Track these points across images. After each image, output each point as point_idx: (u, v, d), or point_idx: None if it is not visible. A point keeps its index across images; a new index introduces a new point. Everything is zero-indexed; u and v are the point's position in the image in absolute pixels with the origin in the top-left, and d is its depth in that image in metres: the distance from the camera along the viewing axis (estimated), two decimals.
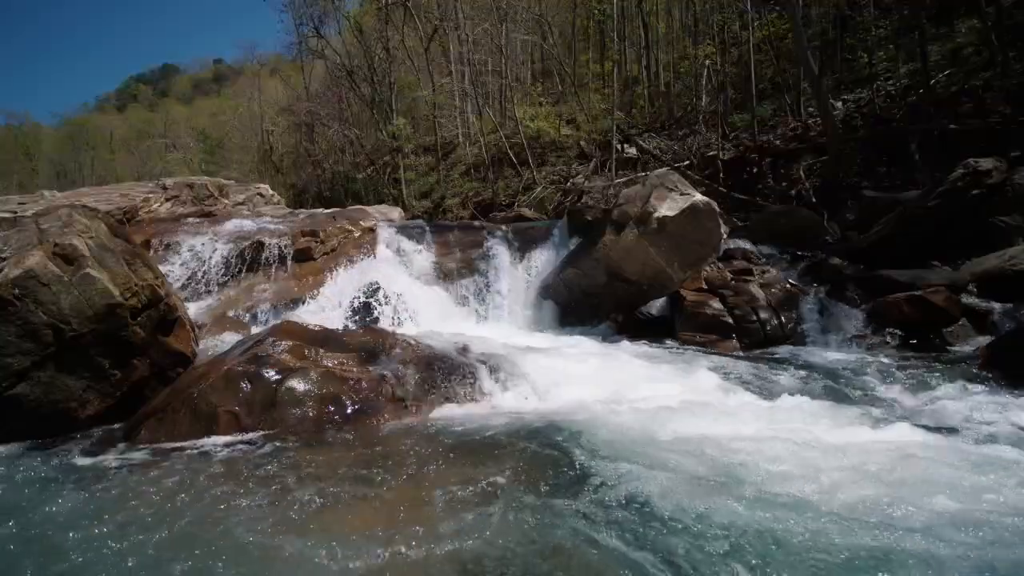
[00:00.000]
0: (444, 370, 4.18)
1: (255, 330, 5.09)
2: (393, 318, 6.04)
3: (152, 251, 6.06)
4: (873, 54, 10.90)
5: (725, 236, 6.93)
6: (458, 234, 7.52)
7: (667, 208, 5.98)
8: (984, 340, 4.95)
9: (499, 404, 4.01)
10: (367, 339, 4.39)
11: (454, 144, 18.21)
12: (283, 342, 4.05)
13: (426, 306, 6.30)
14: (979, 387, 4.01)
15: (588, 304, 6.31)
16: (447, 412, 3.88)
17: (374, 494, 2.71)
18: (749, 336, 5.68)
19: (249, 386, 3.73)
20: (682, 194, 6.14)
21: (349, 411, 3.74)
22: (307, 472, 2.97)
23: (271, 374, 3.80)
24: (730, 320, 5.76)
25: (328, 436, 3.50)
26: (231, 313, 5.71)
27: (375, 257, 6.72)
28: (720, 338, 5.68)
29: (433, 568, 2.13)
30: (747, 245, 7.46)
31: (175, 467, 3.09)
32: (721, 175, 10.80)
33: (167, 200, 8.23)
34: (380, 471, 2.96)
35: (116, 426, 3.83)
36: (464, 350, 4.49)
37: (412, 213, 14.89)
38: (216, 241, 6.42)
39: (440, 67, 19.10)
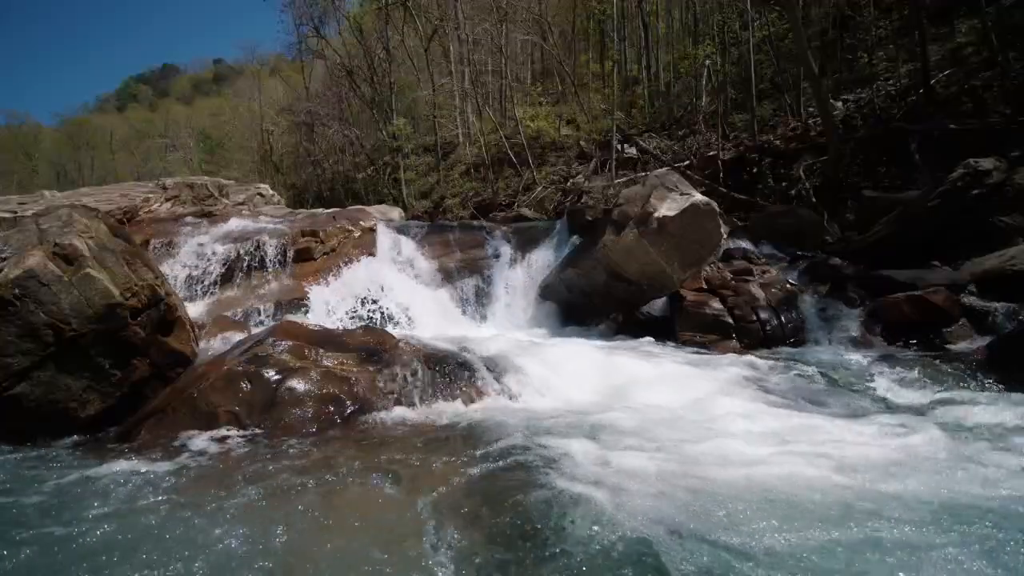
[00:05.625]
0: (444, 370, 4.18)
1: (255, 330, 5.09)
2: (393, 318, 6.04)
3: (152, 251, 6.05)
4: (873, 54, 10.90)
5: (725, 236, 6.93)
6: (458, 234, 7.52)
7: (667, 208, 5.97)
8: (984, 340, 4.95)
9: (498, 404, 4.01)
10: (367, 339, 4.40)
11: (454, 144, 18.21)
12: (283, 342, 4.05)
13: (426, 306, 6.30)
14: (979, 387, 4.01)
15: (588, 304, 6.31)
16: (447, 412, 3.87)
17: (374, 494, 2.72)
18: (749, 336, 5.67)
19: (249, 386, 3.73)
20: (682, 194, 6.13)
21: (349, 411, 3.74)
22: (306, 472, 2.97)
23: (271, 374, 3.80)
24: (730, 320, 5.76)
25: (328, 436, 3.50)
26: (231, 313, 5.71)
27: (375, 257, 6.72)
28: (720, 338, 5.67)
29: (432, 567, 2.13)
30: (747, 245, 7.46)
31: (175, 467, 3.09)
32: (721, 175, 10.80)
33: (167, 200, 8.23)
34: (379, 471, 2.96)
35: (116, 426, 3.84)
36: (463, 350, 4.49)
37: (412, 213, 14.89)
38: (216, 241, 6.42)
39: (440, 67, 19.10)
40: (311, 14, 21.56)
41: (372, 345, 4.29)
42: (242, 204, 9.11)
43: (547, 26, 17.65)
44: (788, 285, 6.19)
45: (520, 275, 6.83)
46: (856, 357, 4.95)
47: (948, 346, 5.05)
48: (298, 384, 3.77)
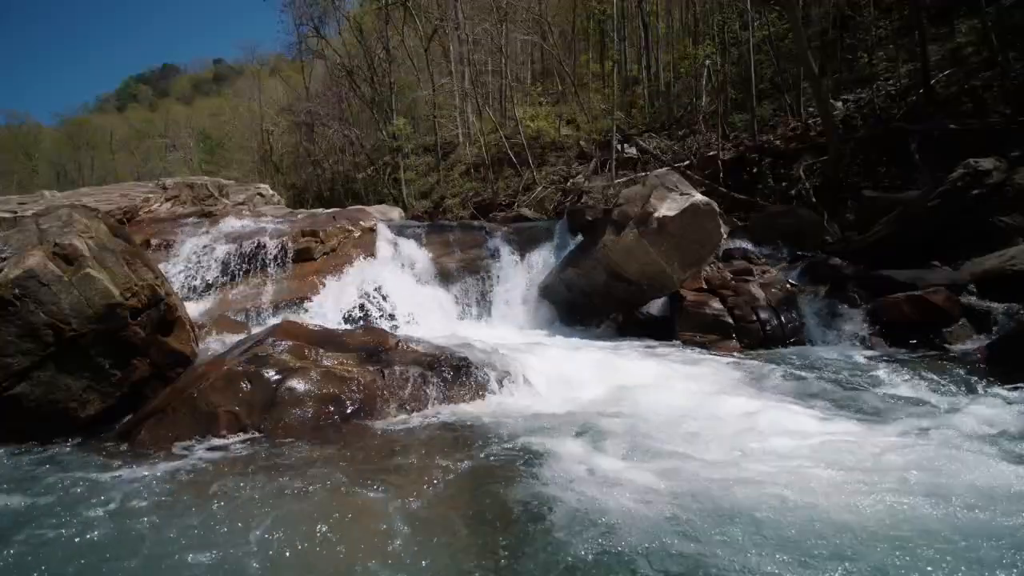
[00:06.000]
0: (443, 370, 4.18)
1: (255, 330, 5.09)
2: (393, 318, 6.04)
3: (152, 251, 6.05)
4: (873, 54, 10.91)
5: (725, 236, 6.93)
6: (458, 234, 7.53)
7: (667, 208, 5.97)
8: (984, 340, 4.95)
9: (498, 404, 4.01)
10: (367, 339, 4.39)
11: (454, 144, 18.21)
12: (283, 342, 4.05)
13: (426, 306, 6.30)
14: (978, 387, 4.01)
15: (588, 304, 6.31)
16: (446, 412, 3.87)
17: (373, 494, 2.72)
18: (749, 336, 5.67)
19: (249, 386, 3.73)
20: (682, 194, 6.13)
21: (349, 411, 3.74)
22: (306, 472, 2.97)
23: (271, 374, 3.80)
24: (730, 320, 5.76)
25: (328, 436, 3.50)
26: (231, 313, 5.71)
27: (375, 257, 6.72)
28: (720, 338, 5.67)
29: (430, 568, 2.13)
30: (747, 245, 7.47)
31: (175, 467, 3.08)
32: (721, 175, 10.80)
33: (167, 200, 8.24)
34: (379, 471, 2.96)
35: (116, 426, 3.83)
36: (463, 350, 4.48)
37: (412, 213, 14.90)
38: (216, 241, 6.42)
39: (440, 67, 19.10)
40: (311, 14, 21.59)
41: (372, 345, 4.29)
42: (242, 204, 9.12)
43: (547, 26, 17.65)
44: (788, 285, 6.19)
45: (520, 275, 6.83)
46: (856, 357, 4.95)
47: (948, 346, 5.05)
48: (298, 384, 3.77)
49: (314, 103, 21.87)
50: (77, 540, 2.36)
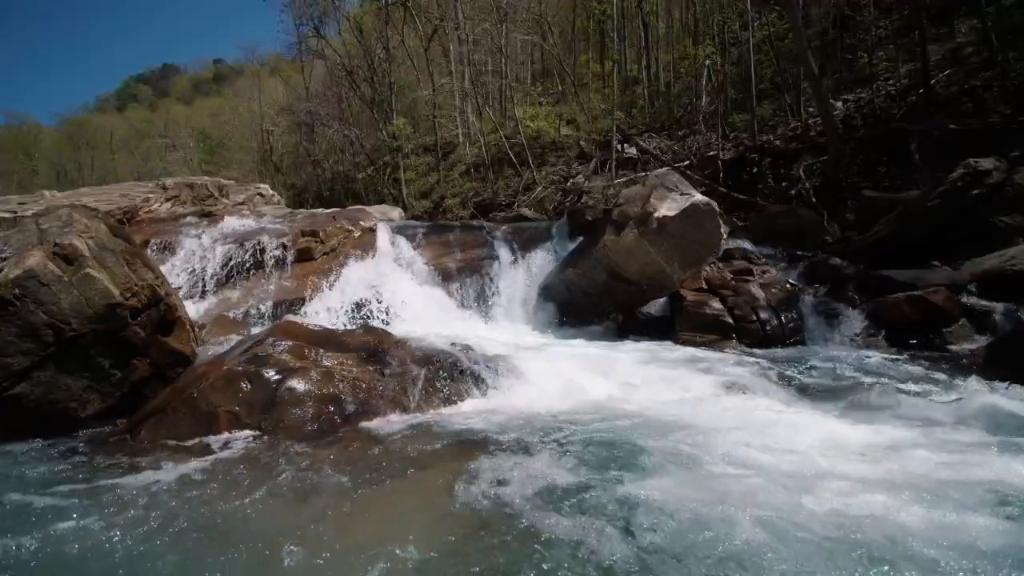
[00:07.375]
0: (444, 370, 4.18)
1: (255, 330, 5.09)
2: (393, 318, 6.04)
3: (152, 251, 6.05)
4: (873, 54, 10.90)
5: (725, 236, 6.93)
6: (458, 234, 7.52)
7: (667, 208, 5.97)
8: (984, 340, 4.95)
9: (498, 405, 4.00)
10: (367, 339, 4.39)
11: (454, 144, 18.21)
12: (283, 342, 4.05)
13: (426, 306, 6.30)
14: (978, 387, 4.00)
15: (588, 304, 6.31)
16: (447, 412, 3.87)
17: (372, 495, 2.72)
18: (749, 336, 5.67)
19: (249, 386, 3.73)
20: (682, 194, 6.13)
21: (349, 411, 3.73)
22: (306, 472, 2.97)
23: (271, 374, 3.80)
24: (730, 320, 5.76)
25: (328, 436, 3.49)
26: (231, 313, 5.71)
27: (375, 257, 6.71)
28: (720, 338, 5.67)
29: (426, 568, 2.13)
30: (747, 245, 7.47)
31: (175, 467, 3.08)
32: (721, 175, 10.81)
33: (167, 200, 8.23)
34: (379, 472, 2.96)
35: (116, 426, 3.83)
36: (464, 350, 4.48)
37: (412, 213, 14.90)
38: (216, 241, 6.42)
39: (440, 67, 19.11)
40: (311, 14, 21.60)
41: (372, 345, 4.29)
42: (242, 204, 9.11)
43: (547, 26, 17.66)
44: (788, 285, 6.19)
45: (520, 275, 6.83)
46: (856, 357, 4.95)
47: (948, 346, 5.06)
48: (298, 384, 3.77)
49: (314, 103, 21.86)
50: (76, 539, 2.36)
